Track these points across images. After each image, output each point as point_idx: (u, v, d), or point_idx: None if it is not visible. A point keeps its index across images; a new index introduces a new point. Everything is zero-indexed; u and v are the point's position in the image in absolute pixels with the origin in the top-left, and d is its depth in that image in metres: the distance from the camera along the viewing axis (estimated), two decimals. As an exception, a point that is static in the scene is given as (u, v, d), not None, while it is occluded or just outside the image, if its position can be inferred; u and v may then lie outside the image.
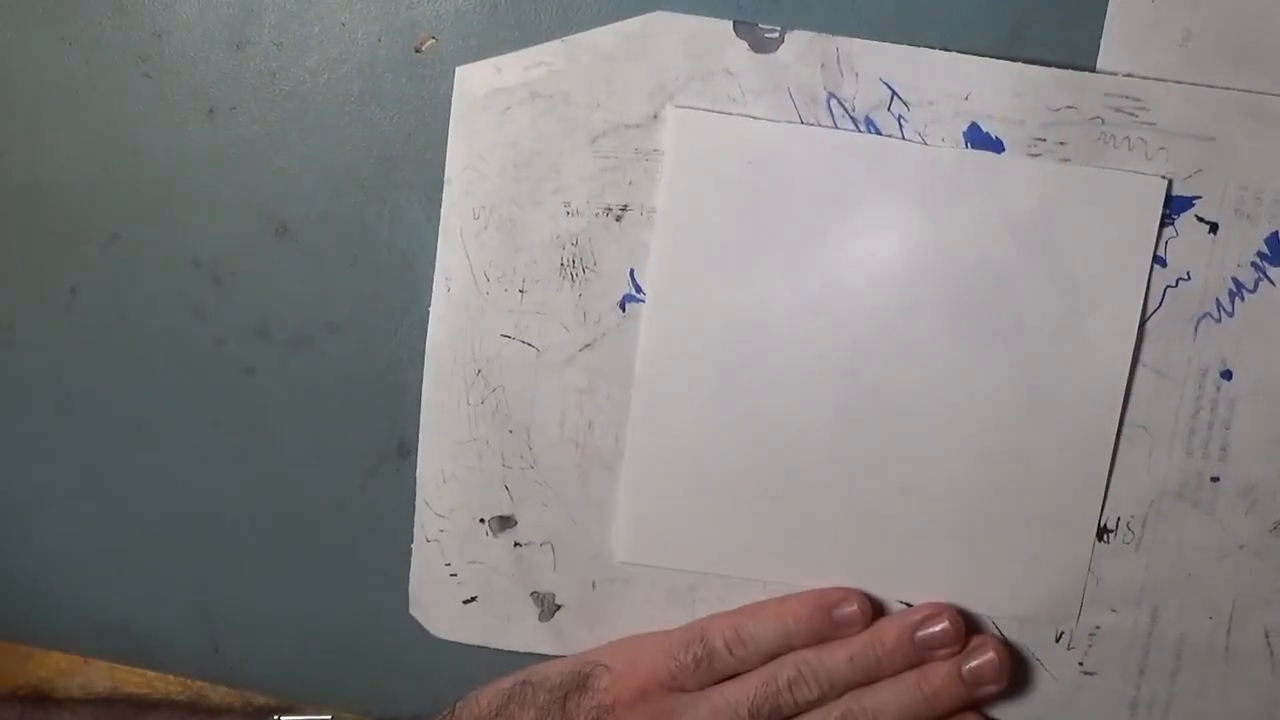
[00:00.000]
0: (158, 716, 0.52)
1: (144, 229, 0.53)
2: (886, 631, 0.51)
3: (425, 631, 0.55)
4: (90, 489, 0.56)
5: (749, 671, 0.52)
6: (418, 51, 0.51)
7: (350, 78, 0.52)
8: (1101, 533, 0.51)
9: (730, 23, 0.50)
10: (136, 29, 0.52)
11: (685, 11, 0.50)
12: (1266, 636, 0.52)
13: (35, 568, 0.57)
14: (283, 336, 0.54)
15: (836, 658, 0.51)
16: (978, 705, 0.52)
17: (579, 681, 0.52)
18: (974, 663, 0.51)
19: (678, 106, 0.50)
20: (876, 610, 0.52)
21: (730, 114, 0.50)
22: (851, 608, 0.52)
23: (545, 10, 0.50)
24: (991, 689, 0.51)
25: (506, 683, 0.53)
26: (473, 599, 0.55)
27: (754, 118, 0.50)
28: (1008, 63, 0.49)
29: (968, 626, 0.51)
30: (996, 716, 0.53)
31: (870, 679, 0.51)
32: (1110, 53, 0.49)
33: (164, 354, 0.54)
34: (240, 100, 0.52)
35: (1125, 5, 0.49)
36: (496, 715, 0.52)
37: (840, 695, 0.51)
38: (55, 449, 0.56)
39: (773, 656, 0.52)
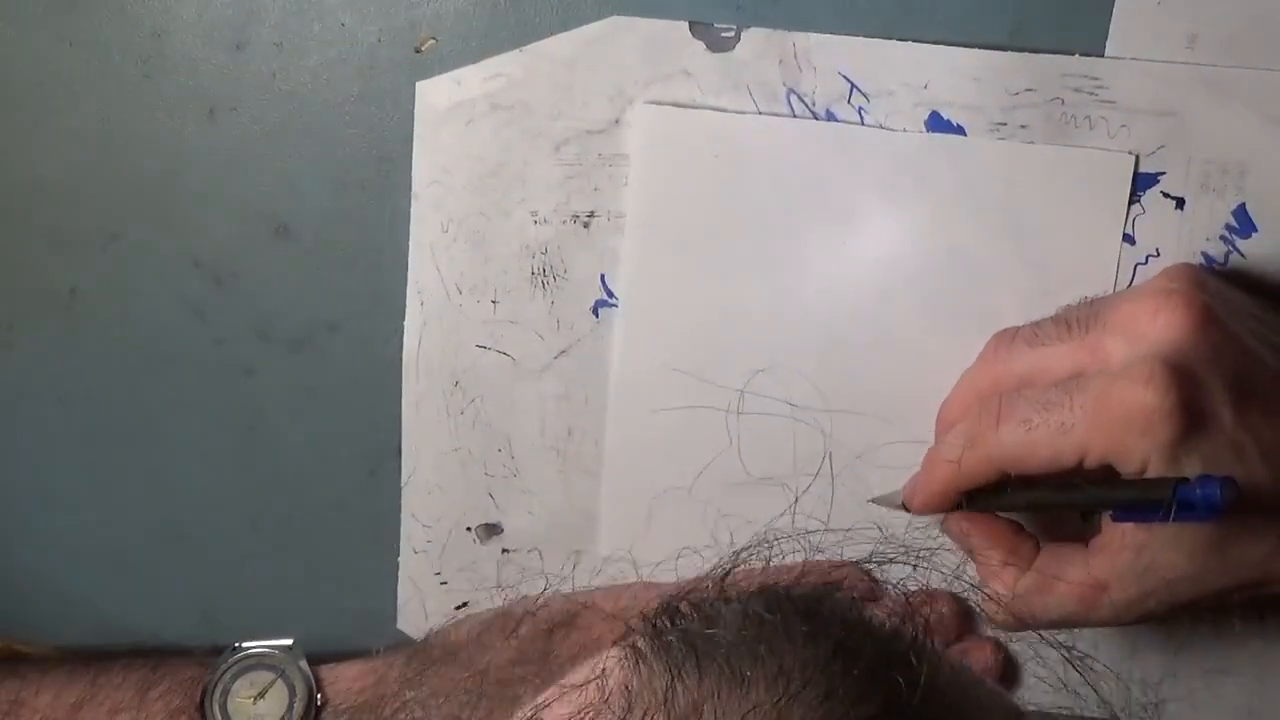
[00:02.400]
0: (122, 663, 0.52)
1: (144, 229, 0.53)
2: (881, 611, 0.51)
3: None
4: (90, 489, 0.56)
5: None
6: (418, 51, 0.51)
7: (350, 78, 0.51)
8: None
9: (686, 24, 0.49)
10: (136, 29, 0.52)
11: (641, 14, 0.49)
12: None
13: (35, 568, 0.57)
14: (283, 336, 0.54)
15: None
16: None
17: (566, 619, 0.52)
18: (966, 661, 0.51)
19: (646, 103, 0.50)
20: (874, 589, 0.52)
21: (695, 107, 0.50)
22: (850, 582, 0.51)
23: (545, 10, 0.50)
24: None
25: (487, 615, 0.53)
26: (464, 604, 0.55)
27: (720, 110, 0.50)
28: (965, 49, 0.49)
29: (962, 615, 0.52)
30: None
31: None
32: (1116, 50, 0.49)
33: (164, 354, 0.54)
34: (240, 100, 0.52)
35: (1130, 6, 0.49)
36: (475, 642, 0.52)
37: None
38: (55, 449, 0.56)
39: None
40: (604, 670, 0.31)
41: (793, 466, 0.52)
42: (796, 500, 0.50)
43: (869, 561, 0.37)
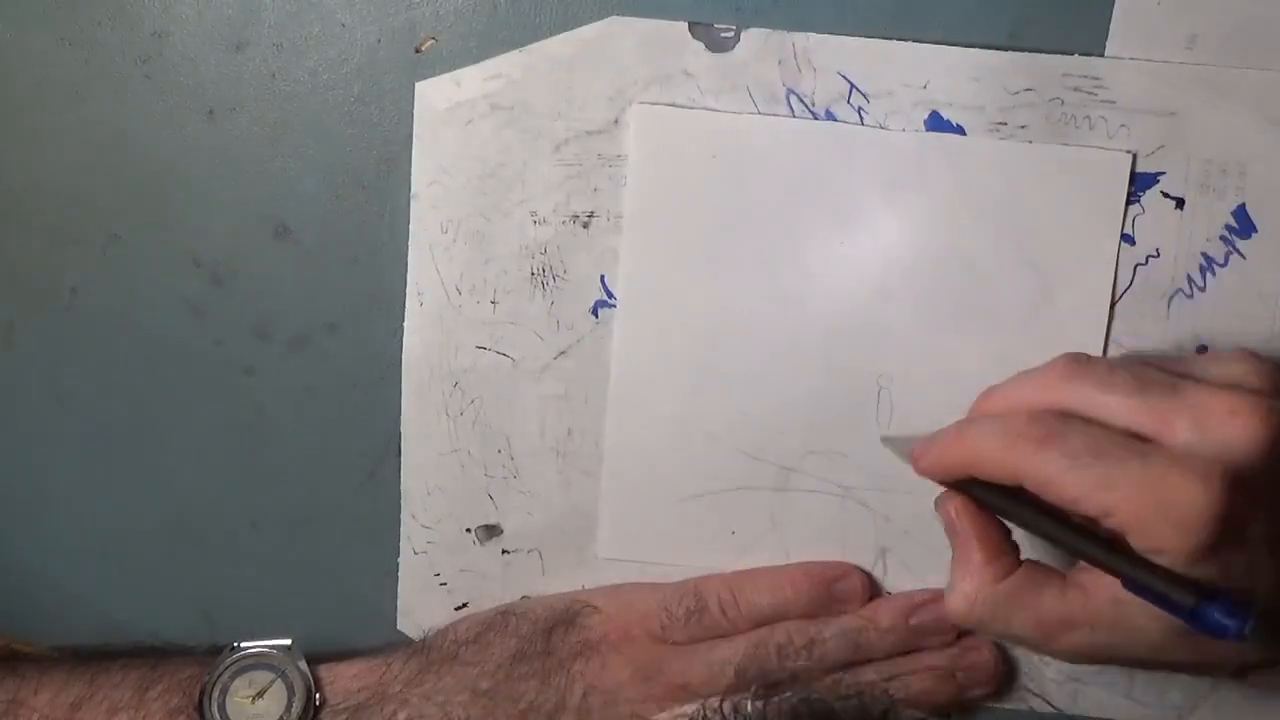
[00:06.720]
0: (121, 662, 0.52)
1: (144, 229, 0.53)
2: (881, 612, 0.51)
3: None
4: (90, 489, 0.56)
5: (737, 634, 0.51)
6: (418, 52, 0.51)
7: (350, 78, 0.52)
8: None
9: (686, 24, 0.49)
10: (136, 29, 0.52)
11: (641, 15, 0.49)
12: None
13: (35, 567, 0.57)
14: (283, 336, 0.54)
15: (828, 631, 0.51)
16: (967, 705, 0.52)
17: (566, 617, 0.52)
18: (968, 662, 0.51)
19: (645, 103, 0.50)
20: (874, 591, 0.52)
21: (693, 108, 0.50)
22: (852, 584, 0.52)
23: (545, 10, 0.50)
24: (982, 690, 0.51)
25: (486, 614, 0.53)
26: (464, 605, 0.55)
27: (719, 110, 0.50)
28: (965, 49, 0.49)
29: None
30: (994, 707, 0.53)
31: (860, 658, 0.51)
32: (1116, 50, 0.49)
33: (164, 354, 0.54)
34: (240, 100, 0.52)
35: (1130, 6, 0.49)
36: (474, 641, 0.52)
37: (827, 669, 0.50)
38: (55, 449, 0.56)
39: (763, 623, 0.51)
40: None
41: (791, 462, 0.52)
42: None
43: None
